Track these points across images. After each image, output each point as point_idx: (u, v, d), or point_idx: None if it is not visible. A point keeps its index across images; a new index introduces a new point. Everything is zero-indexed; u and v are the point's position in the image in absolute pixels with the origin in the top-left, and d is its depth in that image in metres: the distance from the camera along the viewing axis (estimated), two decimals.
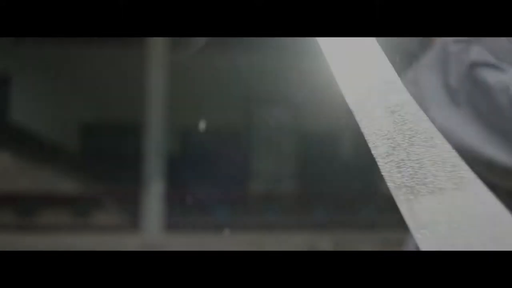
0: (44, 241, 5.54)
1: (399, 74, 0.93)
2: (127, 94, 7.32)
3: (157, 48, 6.03)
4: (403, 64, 0.91)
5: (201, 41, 0.96)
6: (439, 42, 0.88)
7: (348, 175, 7.93)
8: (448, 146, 0.56)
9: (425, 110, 0.85)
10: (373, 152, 0.58)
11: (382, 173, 0.56)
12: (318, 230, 6.57)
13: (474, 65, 0.84)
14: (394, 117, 0.59)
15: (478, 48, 0.85)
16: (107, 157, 7.30)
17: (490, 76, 0.83)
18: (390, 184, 0.55)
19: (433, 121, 0.85)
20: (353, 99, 0.61)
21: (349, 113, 0.62)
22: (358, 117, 0.60)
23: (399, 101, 0.60)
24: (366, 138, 0.58)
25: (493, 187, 0.90)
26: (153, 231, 6.11)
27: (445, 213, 0.53)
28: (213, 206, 7.05)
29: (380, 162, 0.56)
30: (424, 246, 0.53)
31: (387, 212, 6.88)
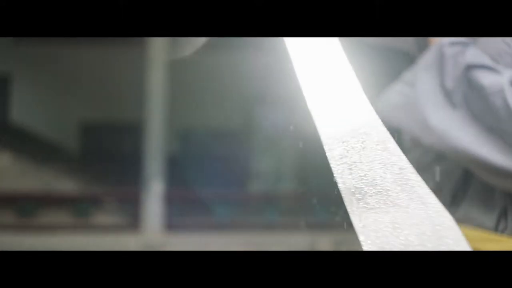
0: (44, 241, 5.53)
1: (397, 77, 0.93)
2: (127, 94, 7.31)
3: (157, 48, 6.03)
4: (402, 67, 0.92)
5: (200, 41, 0.96)
6: (436, 44, 0.89)
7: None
8: (398, 150, 0.58)
9: (422, 111, 0.86)
10: (328, 154, 0.60)
11: (334, 175, 0.58)
12: (318, 230, 6.56)
13: (469, 67, 0.85)
14: (351, 121, 0.61)
15: (474, 50, 0.87)
16: (107, 157, 7.29)
17: (485, 78, 0.84)
18: (340, 185, 0.56)
19: (429, 121, 0.85)
20: (313, 102, 0.64)
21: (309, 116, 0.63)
22: (316, 120, 0.62)
23: (356, 105, 0.62)
24: (323, 141, 0.61)
25: (492, 187, 0.91)
26: (153, 231, 6.11)
27: (389, 213, 0.56)
28: (213, 206, 7.05)
29: (333, 164, 0.58)
30: (367, 245, 0.57)
31: None
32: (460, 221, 0.93)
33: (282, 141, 8.47)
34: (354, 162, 0.59)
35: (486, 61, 0.85)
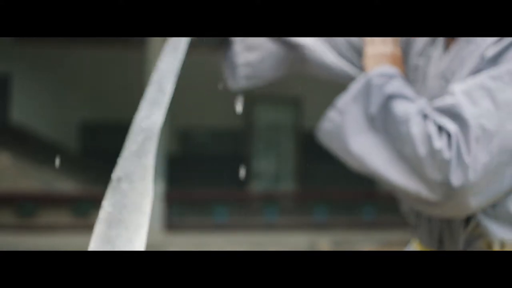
0: (44, 241, 5.53)
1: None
2: (127, 94, 7.31)
3: (157, 48, 6.02)
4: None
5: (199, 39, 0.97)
6: (365, 74, 0.97)
7: (348, 175, 7.94)
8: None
9: (345, 138, 0.93)
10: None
11: None
12: (318, 230, 6.57)
13: (390, 97, 0.93)
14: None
15: (399, 82, 0.95)
16: (107, 157, 7.30)
17: (398, 107, 0.92)
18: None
19: (350, 147, 0.93)
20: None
21: None
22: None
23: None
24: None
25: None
26: (153, 231, 6.09)
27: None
28: (213, 206, 7.05)
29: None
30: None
31: (387, 212, 6.88)
32: (419, 241, 0.97)
33: (282, 141, 8.48)
34: None
35: (408, 92, 0.94)
